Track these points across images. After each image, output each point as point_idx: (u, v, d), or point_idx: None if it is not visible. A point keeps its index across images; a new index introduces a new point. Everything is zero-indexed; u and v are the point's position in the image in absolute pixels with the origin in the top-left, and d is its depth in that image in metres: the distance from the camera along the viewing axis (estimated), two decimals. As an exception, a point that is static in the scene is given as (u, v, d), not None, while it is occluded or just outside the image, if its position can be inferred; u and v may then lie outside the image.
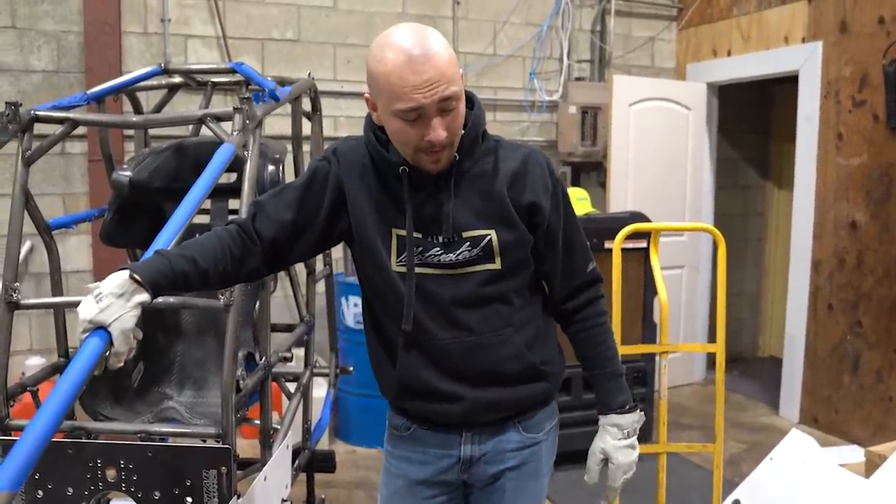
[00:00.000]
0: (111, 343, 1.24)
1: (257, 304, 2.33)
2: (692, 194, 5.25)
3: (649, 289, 4.05)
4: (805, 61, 4.48)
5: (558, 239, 1.54)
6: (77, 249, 4.10)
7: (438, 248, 1.45)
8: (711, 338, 5.63)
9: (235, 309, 1.91)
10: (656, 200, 5.00)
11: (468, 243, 1.45)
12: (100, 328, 1.23)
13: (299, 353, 3.15)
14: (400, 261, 1.47)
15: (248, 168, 2.07)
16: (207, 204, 2.69)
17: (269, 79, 2.54)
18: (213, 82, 2.91)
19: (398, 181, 1.45)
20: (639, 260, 3.94)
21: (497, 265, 1.47)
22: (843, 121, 4.29)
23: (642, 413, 1.64)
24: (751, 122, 5.96)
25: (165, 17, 4.15)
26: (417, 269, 1.46)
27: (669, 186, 5.14)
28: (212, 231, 1.48)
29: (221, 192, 2.63)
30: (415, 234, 1.45)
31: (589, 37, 5.28)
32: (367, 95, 1.43)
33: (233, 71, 2.61)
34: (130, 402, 2.47)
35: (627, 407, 1.61)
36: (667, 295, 2.63)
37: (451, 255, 1.45)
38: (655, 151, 5.06)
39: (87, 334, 1.24)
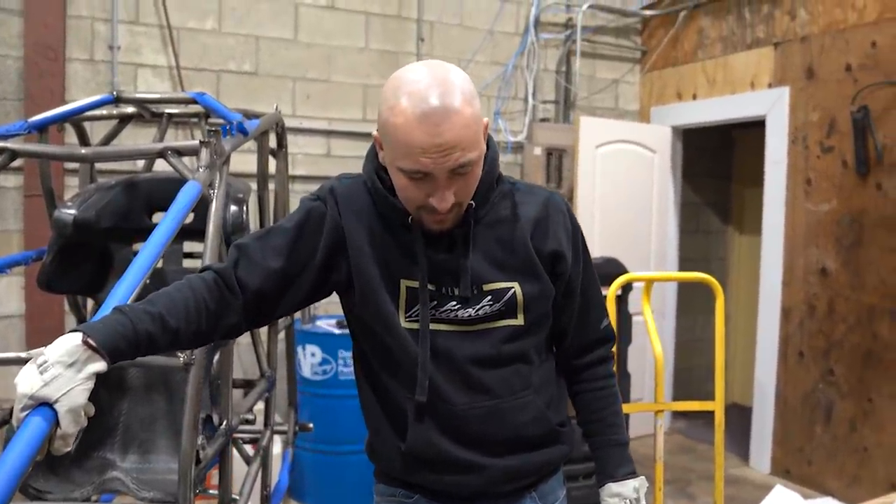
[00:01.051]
0: (57, 423, 1.04)
1: (216, 358, 2.11)
2: (658, 238, 5.24)
3: (623, 337, 4.01)
4: (772, 106, 4.50)
5: (577, 289, 1.46)
6: (7, 292, 3.77)
7: (455, 303, 1.35)
8: (677, 389, 5.55)
9: (197, 368, 1.74)
10: (623, 244, 4.98)
11: (489, 297, 1.35)
12: (43, 405, 1.04)
13: (257, 409, 2.97)
14: (410, 316, 1.35)
15: (214, 208, 1.91)
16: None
17: (235, 112, 2.41)
18: (168, 114, 2.75)
19: (406, 229, 1.35)
20: (615, 307, 3.85)
21: (520, 320, 1.38)
22: (812, 166, 4.28)
23: (643, 478, 1.51)
24: (713, 166, 6.00)
25: (114, 43, 3.96)
26: (432, 325, 1.35)
27: (636, 230, 5.12)
28: (184, 280, 1.31)
29: (178, 234, 2.43)
30: (429, 287, 1.35)
31: (554, 77, 5.28)
32: (376, 134, 1.32)
33: (193, 101, 2.48)
34: (67, 470, 2.20)
35: (629, 475, 1.50)
36: (661, 348, 2.48)
37: (469, 310, 1.35)
38: (622, 194, 5.05)
39: (27, 412, 1.03)
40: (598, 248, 4.83)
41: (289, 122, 4.34)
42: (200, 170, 1.85)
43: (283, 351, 3.28)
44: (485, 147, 1.31)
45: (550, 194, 1.45)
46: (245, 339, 3.41)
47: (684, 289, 5.56)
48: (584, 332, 1.50)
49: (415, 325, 1.34)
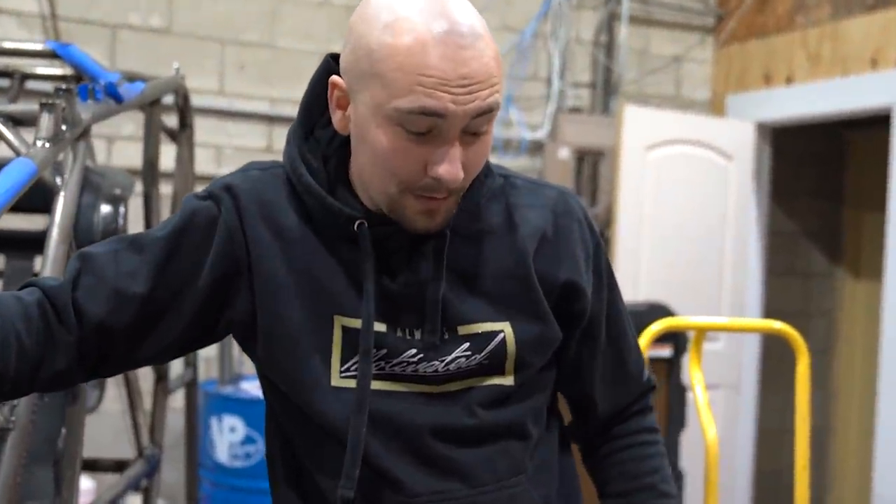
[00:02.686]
0: None
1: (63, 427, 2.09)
2: (733, 281, 5.20)
3: (675, 419, 3.99)
4: (901, 95, 4.48)
5: (601, 333, 1.47)
6: None
7: (415, 352, 1.33)
8: (760, 499, 5.43)
9: (21, 435, 1.70)
10: (681, 288, 4.93)
11: (467, 344, 1.35)
12: None
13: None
14: (347, 370, 1.34)
15: (62, 203, 1.91)
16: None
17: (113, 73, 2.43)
18: (23, 74, 2.76)
19: (350, 242, 1.33)
20: (660, 374, 3.92)
21: (509, 379, 1.37)
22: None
23: None
24: (816, 182, 5.98)
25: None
26: (379, 385, 1.33)
27: (701, 269, 5.08)
28: None
29: (23, 245, 2.48)
30: (377, 328, 1.33)
31: (590, 51, 5.28)
32: (337, 81, 1.29)
33: (52, 55, 2.50)
34: None
35: None
36: (715, 432, 2.43)
37: (436, 362, 1.34)
38: (682, 217, 5.02)
39: None
40: (644, 291, 4.80)
41: (212, 102, 4.35)
42: (38, 143, 1.82)
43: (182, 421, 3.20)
44: None
45: (561, 192, 1.46)
46: (113, 392, 3.38)
47: (773, 355, 5.50)
48: (622, 388, 1.51)
49: (353, 384, 1.33)
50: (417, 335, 1.34)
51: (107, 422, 3.57)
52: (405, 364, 1.34)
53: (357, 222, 1.31)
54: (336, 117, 1.30)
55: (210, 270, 1.33)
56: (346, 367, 1.33)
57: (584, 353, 1.46)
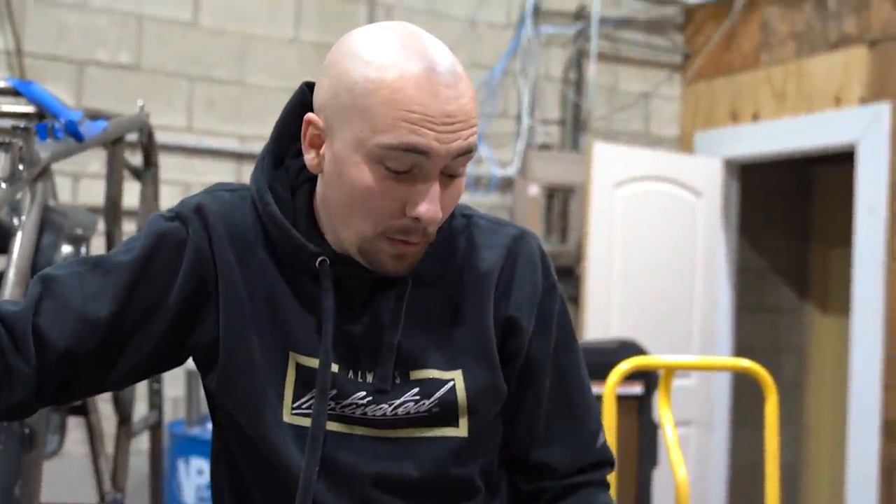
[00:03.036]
0: None
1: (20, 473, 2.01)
2: (703, 318, 5.21)
3: (646, 457, 3.92)
4: (867, 130, 4.50)
5: (544, 380, 1.41)
6: None
7: (364, 394, 1.32)
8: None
9: None
10: (652, 325, 4.93)
11: (416, 389, 1.33)
12: None
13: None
14: (298, 407, 1.32)
15: (18, 243, 1.90)
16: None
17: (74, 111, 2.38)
18: None
19: (311, 277, 1.31)
20: (630, 412, 3.84)
21: (461, 429, 1.35)
22: (922, 217, 4.26)
23: None
24: (784, 217, 6.03)
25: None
26: (328, 424, 1.31)
27: (671, 305, 5.09)
28: None
29: None
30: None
31: (559, 88, 5.30)
32: (312, 118, 1.27)
33: (14, 92, 2.41)
34: None
35: None
36: (685, 471, 2.40)
37: (384, 405, 1.32)
38: (651, 254, 5.03)
39: None
40: (615, 328, 4.80)
41: (180, 139, 4.32)
42: None
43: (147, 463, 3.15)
44: None
45: (519, 234, 1.43)
46: (76, 434, 3.32)
47: (743, 392, 5.49)
48: (570, 451, 1.43)
49: (304, 422, 1.31)
50: (369, 378, 1.32)
51: (68, 465, 3.50)
52: (354, 406, 1.31)
53: (319, 259, 1.29)
54: (309, 156, 1.28)
55: (178, 292, 1.31)
56: (297, 403, 1.31)
57: (526, 400, 1.41)
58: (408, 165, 1.20)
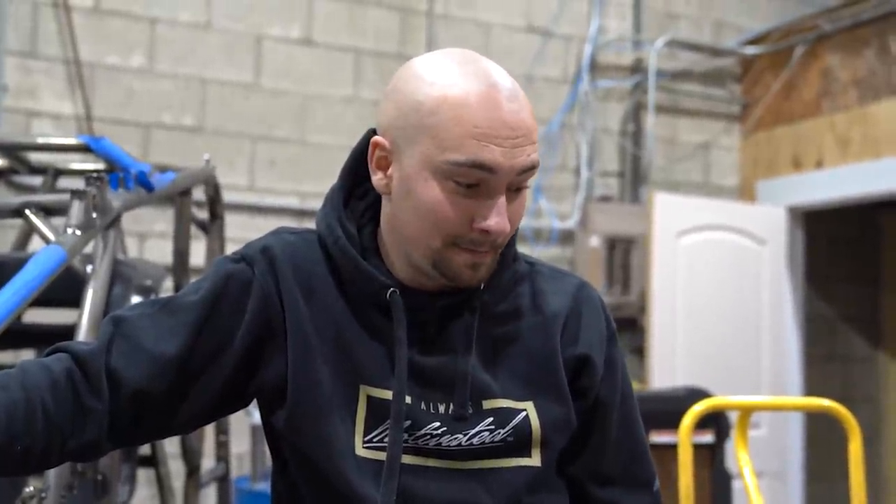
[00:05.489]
0: None
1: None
2: (771, 367, 5.16)
3: None
4: (934, 176, 4.47)
5: (611, 423, 1.44)
6: None
7: (439, 424, 1.32)
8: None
9: None
10: (718, 374, 4.86)
11: (491, 419, 1.33)
12: None
13: None
14: (370, 440, 1.32)
15: (91, 292, 1.90)
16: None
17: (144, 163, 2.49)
18: (56, 170, 2.82)
19: (380, 310, 1.33)
20: (703, 461, 3.76)
21: (535, 459, 1.35)
22: None
23: None
24: (852, 265, 5.97)
25: (-1, 82, 4.08)
26: (402, 457, 1.31)
27: (737, 355, 5.05)
28: (15, 369, 1.25)
29: (53, 339, 2.37)
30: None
31: (617, 140, 5.32)
32: (379, 141, 1.30)
33: (85, 148, 2.53)
34: None
35: None
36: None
37: (459, 435, 1.32)
38: (715, 303, 5.02)
39: None
40: (680, 379, 4.73)
41: (243, 198, 4.39)
42: (69, 231, 1.83)
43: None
44: None
45: (582, 283, 1.47)
46: (145, 490, 3.33)
47: (816, 443, 5.40)
48: (629, 490, 1.45)
49: (377, 455, 1.31)
50: (441, 408, 1.33)
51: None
52: (428, 437, 1.32)
53: (390, 291, 1.30)
54: (376, 177, 1.30)
55: (245, 334, 1.32)
56: (369, 437, 1.32)
57: (594, 439, 1.43)
58: (475, 180, 1.23)
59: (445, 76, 1.24)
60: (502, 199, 1.25)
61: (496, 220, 1.25)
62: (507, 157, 1.23)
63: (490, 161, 1.22)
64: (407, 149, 1.26)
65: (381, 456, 1.30)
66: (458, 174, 1.23)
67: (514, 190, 1.28)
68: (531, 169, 1.26)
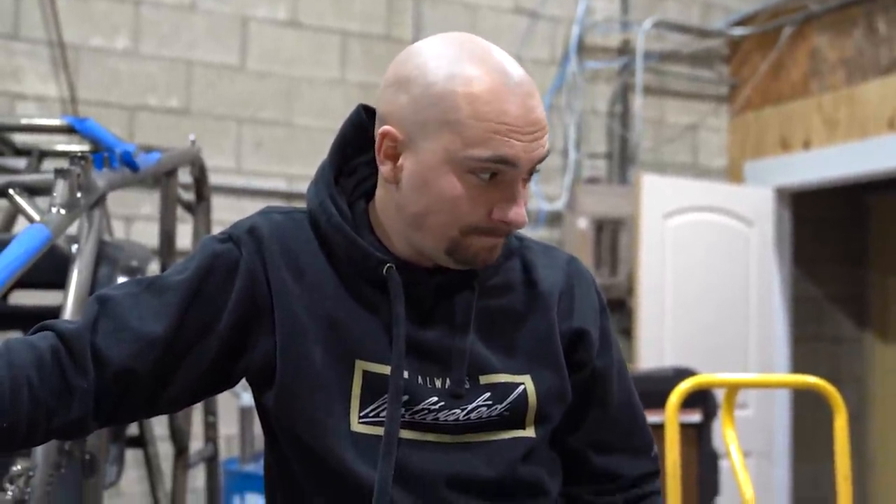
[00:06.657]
0: None
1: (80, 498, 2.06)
2: (758, 347, 5.17)
3: (707, 487, 3.87)
4: (921, 155, 4.48)
5: (611, 394, 1.48)
6: None
7: (436, 399, 1.33)
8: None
9: None
10: (706, 354, 4.87)
11: (488, 394, 1.35)
12: None
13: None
14: (366, 415, 1.33)
15: (76, 272, 1.90)
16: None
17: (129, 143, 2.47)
18: (41, 152, 2.79)
19: (375, 286, 1.34)
20: (689, 441, 3.76)
21: (528, 431, 1.38)
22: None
23: None
24: (839, 245, 5.98)
25: (-17, 66, 4.07)
26: (399, 433, 1.32)
27: (725, 335, 5.06)
28: (0, 346, 1.25)
29: (39, 320, 2.39)
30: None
31: (605, 122, 5.31)
32: (389, 132, 1.29)
33: (70, 129, 2.51)
34: None
35: None
36: (753, 493, 2.35)
37: (456, 410, 1.34)
38: (703, 284, 5.02)
39: None
40: (668, 360, 4.75)
41: (229, 180, 4.37)
42: (53, 210, 1.82)
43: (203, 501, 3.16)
44: None
45: (571, 257, 1.50)
46: (133, 472, 3.33)
47: (803, 423, 5.41)
48: (630, 459, 1.50)
49: (374, 430, 1.32)
50: (438, 383, 1.34)
51: (127, 503, 3.54)
52: (426, 412, 1.33)
53: (386, 266, 1.31)
54: (385, 167, 1.30)
55: (231, 313, 1.32)
56: (365, 412, 1.32)
57: (593, 410, 1.47)
58: (495, 172, 1.26)
59: (462, 68, 1.25)
60: (520, 190, 1.28)
61: (516, 210, 1.28)
62: (527, 150, 1.25)
63: (512, 156, 1.24)
64: (423, 142, 1.27)
65: (378, 431, 1.31)
66: (479, 168, 1.25)
67: (524, 179, 1.31)
68: (544, 159, 1.30)
